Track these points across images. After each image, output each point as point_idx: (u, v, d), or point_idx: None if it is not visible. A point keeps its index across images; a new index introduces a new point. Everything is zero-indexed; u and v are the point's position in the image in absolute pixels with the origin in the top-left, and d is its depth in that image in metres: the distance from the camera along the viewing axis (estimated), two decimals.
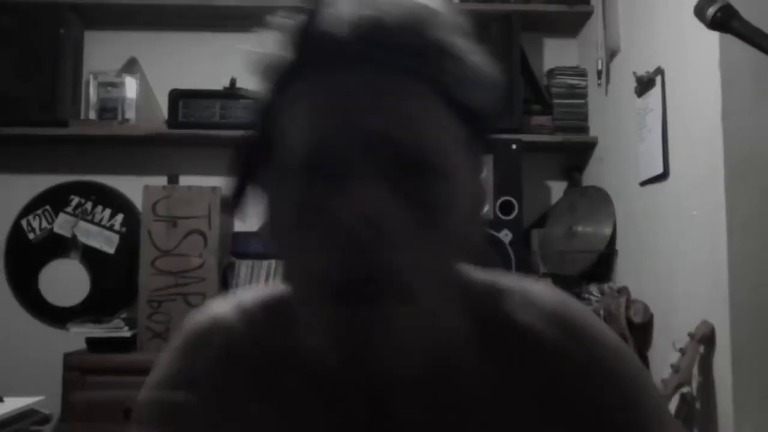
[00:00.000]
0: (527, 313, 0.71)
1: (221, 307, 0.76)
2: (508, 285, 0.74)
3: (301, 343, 0.67)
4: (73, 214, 3.03)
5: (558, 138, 2.93)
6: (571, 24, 3.08)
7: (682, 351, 1.89)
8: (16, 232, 3.03)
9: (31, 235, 3.03)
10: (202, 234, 2.65)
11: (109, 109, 2.99)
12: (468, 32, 0.64)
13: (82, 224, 3.02)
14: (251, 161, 0.66)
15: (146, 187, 2.70)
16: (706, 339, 1.88)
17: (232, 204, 0.68)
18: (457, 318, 0.71)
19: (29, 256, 3.02)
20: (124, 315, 2.86)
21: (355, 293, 0.57)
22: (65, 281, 3.00)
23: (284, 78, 0.62)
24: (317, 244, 0.58)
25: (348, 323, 0.58)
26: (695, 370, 1.92)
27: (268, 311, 0.74)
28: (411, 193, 0.58)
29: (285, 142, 0.61)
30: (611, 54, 2.74)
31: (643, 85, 2.37)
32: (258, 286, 0.80)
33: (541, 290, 0.75)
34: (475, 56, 0.63)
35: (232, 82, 2.92)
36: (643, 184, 2.40)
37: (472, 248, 0.67)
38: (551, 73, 2.98)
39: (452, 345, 0.70)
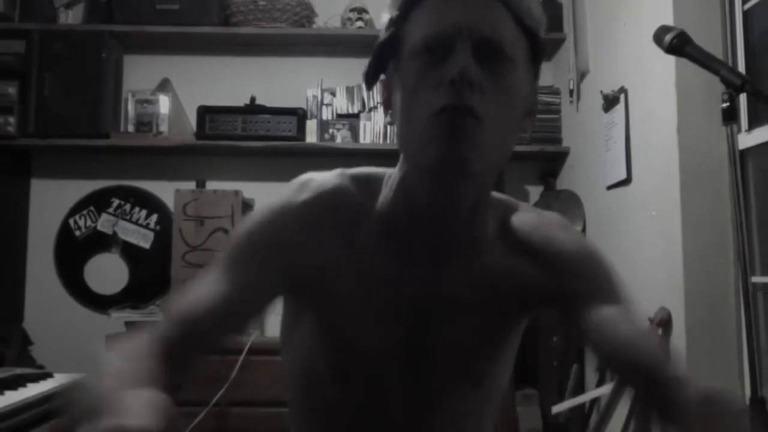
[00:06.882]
0: (537, 218, 0.96)
1: (319, 173, 0.92)
2: (520, 203, 0.98)
3: (378, 205, 0.89)
4: (114, 214, 3.03)
5: (535, 148, 2.92)
6: (546, 49, 3.08)
7: None
8: (65, 230, 3.03)
9: (77, 233, 3.03)
10: (226, 231, 2.65)
11: (145, 123, 2.99)
12: None
13: (122, 223, 3.02)
14: (385, 53, 0.86)
15: (177, 191, 2.71)
16: (663, 323, 1.88)
17: (367, 81, 0.88)
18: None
19: (76, 251, 3.02)
20: (158, 302, 2.86)
21: (451, 113, 0.78)
22: (107, 273, 3.00)
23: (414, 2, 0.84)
24: (433, 89, 0.79)
25: (445, 125, 0.78)
26: None
27: (354, 179, 0.91)
28: (488, 66, 0.80)
29: (412, 37, 0.82)
30: (581, 75, 2.74)
31: (609, 102, 2.38)
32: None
33: (543, 211, 1.00)
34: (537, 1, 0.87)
35: (252, 99, 2.92)
36: (609, 188, 2.40)
37: (519, 133, 0.87)
38: None
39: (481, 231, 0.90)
